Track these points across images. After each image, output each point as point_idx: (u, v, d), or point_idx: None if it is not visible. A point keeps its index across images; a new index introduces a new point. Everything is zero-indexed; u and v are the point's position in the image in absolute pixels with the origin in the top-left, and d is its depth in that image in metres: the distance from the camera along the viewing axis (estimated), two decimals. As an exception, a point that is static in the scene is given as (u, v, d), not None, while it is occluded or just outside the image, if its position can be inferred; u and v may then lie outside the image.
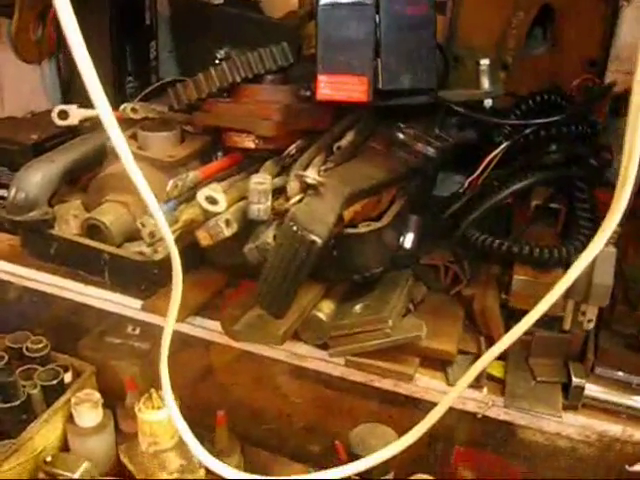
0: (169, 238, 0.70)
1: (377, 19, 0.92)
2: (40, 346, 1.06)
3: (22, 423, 0.97)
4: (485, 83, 1.03)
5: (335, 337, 0.90)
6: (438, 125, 1.08)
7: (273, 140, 1.02)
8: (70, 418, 1.00)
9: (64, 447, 1.02)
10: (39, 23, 1.18)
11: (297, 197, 0.83)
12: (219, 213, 0.83)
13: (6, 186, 1.10)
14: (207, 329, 0.96)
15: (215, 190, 0.84)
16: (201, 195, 0.82)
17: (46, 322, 1.16)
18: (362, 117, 1.08)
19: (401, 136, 1.04)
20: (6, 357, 1.06)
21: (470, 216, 0.97)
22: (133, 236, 1.01)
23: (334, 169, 0.92)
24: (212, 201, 0.83)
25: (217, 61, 1.26)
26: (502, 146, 0.99)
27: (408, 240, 0.97)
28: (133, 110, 1.03)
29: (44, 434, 0.97)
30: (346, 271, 0.92)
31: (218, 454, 1.01)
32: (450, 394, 0.79)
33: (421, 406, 0.94)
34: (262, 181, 0.84)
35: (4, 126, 1.15)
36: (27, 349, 1.06)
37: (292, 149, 1.01)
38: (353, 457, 0.89)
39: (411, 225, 0.98)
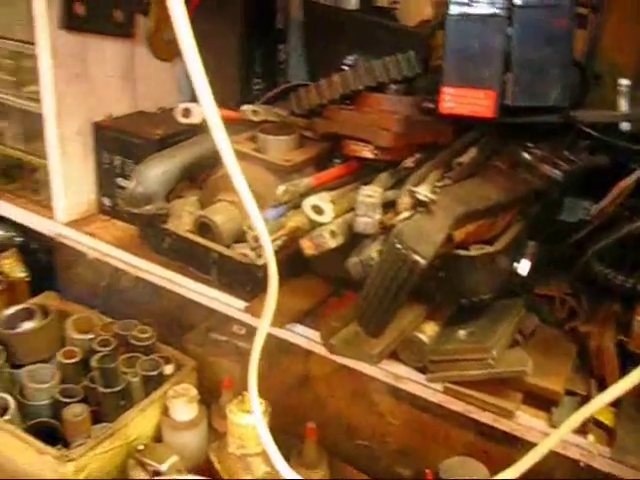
0: (267, 244, 0.69)
1: (509, 31, 0.87)
2: (146, 336, 1.08)
3: (120, 409, 0.99)
4: (623, 105, 0.95)
5: (435, 361, 0.86)
6: (567, 147, 1.02)
7: (391, 151, 0.99)
8: (166, 410, 1.02)
9: (158, 438, 1.03)
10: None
11: (406, 213, 0.80)
12: (324, 223, 0.82)
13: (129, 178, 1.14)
14: (307, 338, 0.94)
15: (322, 199, 0.83)
16: (307, 203, 0.81)
17: (154, 313, 1.19)
18: (486, 134, 1.04)
19: (527, 156, 0.99)
20: (114, 343, 1.09)
21: (595, 246, 0.91)
22: (242, 237, 1.01)
23: (449, 186, 0.88)
24: (318, 210, 0.81)
25: (345, 67, 1.26)
26: (637, 173, 0.91)
27: (523, 267, 0.92)
28: (254, 112, 1.03)
29: (139, 422, 0.99)
30: (453, 294, 0.88)
31: (304, 466, 1.00)
32: (552, 436, 0.73)
33: (519, 445, 0.88)
34: (371, 194, 0.81)
35: (133, 120, 1.19)
36: (133, 337, 1.09)
37: (409, 162, 0.98)
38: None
39: (528, 251, 0.92)
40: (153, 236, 1.05)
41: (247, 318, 0.99)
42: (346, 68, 1.23)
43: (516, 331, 0.89)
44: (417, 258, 0.72)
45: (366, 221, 0.81)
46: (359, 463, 1.06)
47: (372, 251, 0.81)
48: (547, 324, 0.94)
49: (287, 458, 0.97)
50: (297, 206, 0.92)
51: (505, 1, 0.87)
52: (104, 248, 1.13)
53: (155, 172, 1.02)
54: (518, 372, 0.82)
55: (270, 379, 1.13)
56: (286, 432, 1.09)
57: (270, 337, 0.97)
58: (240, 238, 1.01)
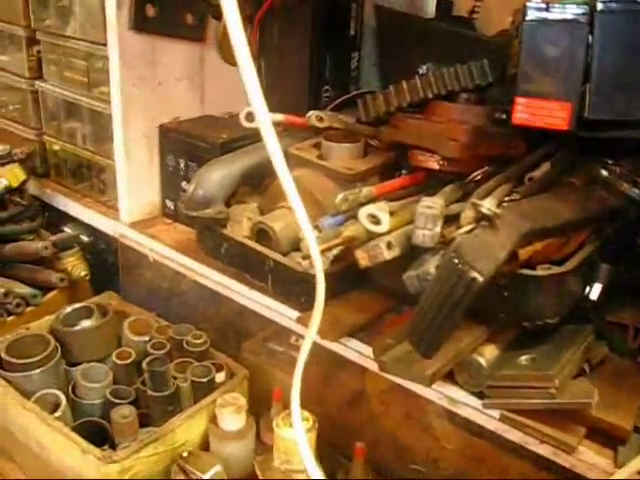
0: (315, 253, 0.66)
1: (589, 39, 0.82)
2: (199, 341, 1.07)
3: (168, 414, 0.98)
4: None
5: (493, 387, 0.81)
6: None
7: (458, 163, 0.95)
8: (214, 418, 1.00)
9: (205, 446, 1.01)
10: (246, 27, 1.20)
11: (468, 227, 0.76)
12: (381, 234, 0.78)
13: (192, 181, 1.14)
14: (359, 353, 0.91)
15: (380, 209, 0.79)
16: (363, 212, 0.78)
17: (210, 318, 1.17)
18: (561, 148, 0.98)
19: (605, 173, 0.93)
20: (168, 346, 1.08)
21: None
22: (300, 246, 0.98)
23: (517, 202, 0.83)
24: (375, 220, 0.78)
25: (418, 76, 1.22)
26: None
27: (595, 291, 0.85)
28: (318, 118, 1.01)
29: (186, 429, 0.97)
30: (516, 316, 0.82)
31: None
32: (616, 476, 0.68)
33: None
34: (431, 205, 0.77)
35: (199, 124, 1.19)
36: (187, 343, 1.07)
37: (477, 174, 0.93)
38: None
39: (600, 274, 0.86)
40: (211, 240, 1.03)
41: (300, 329, 0.96)
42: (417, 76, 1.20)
43: (583, 360, 0.83)
44: (475, 275, 0.67)
45: (425, 233, 0.76)
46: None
47: (430, 265, 0.77)
48: (617, 354, 0.87)
49: (333, 476, 0.95)
50: (356, 216, 0.90)
51: (586, 6, 0.81)
52: (164, 250, 1.13)
53: (215, 176, 1.01)
54: (582, 404, 0.76)
55: (321, 393, 1.11)
56: (336, 449, 1.06)
57: (322, 350, 0.96)
58: (299, 247, 0.98)
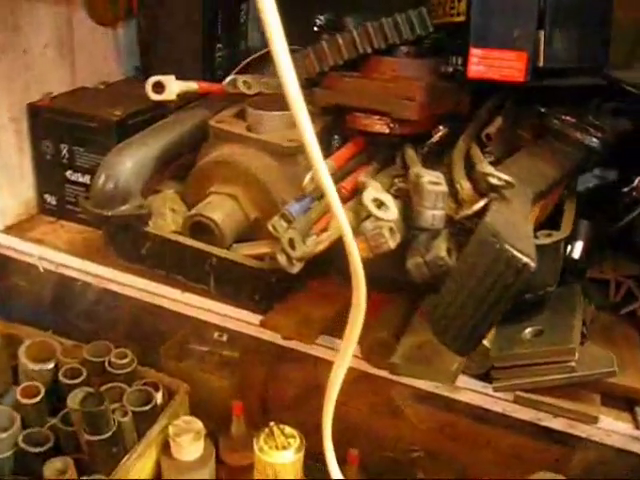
0: (353, 248, 0.54)
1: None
2: (126, 361, 0.90)
3: (112, 457, 0.81)
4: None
5: (501, 368, 0.74)
6: (593, 112, 0.92)
7: (412, 125, 0.85)
8: (166, 449, 0.85)
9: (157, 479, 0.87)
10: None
11: (481, 202, 0.67)
12: (388, 220, 0.67)
13: (83, 170, 0.95)
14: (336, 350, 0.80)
15: (378, 190, 0.68)
16: (368, 197, 0.66)
17: (127, 331, 1.00)
18: (507, 100, 0.92)
19: (557, 124, 0.88)
20: (84, 372, 0.90)
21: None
22: (244, 237, 0.85)
23: (505, 165, 0.76)
24: (380, 204, 0.67)
25: (316, 28, 1.10)
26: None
27: (577, 249, 0.82)
28: (246, 84, 0.86)
29: (139, 469, 0.82)
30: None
31: None
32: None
33: (594, 448, 0.79)
34: (437, 181, 0.67)
35: (78, 99, 0.98)
36: (110, 364, 0.90)
37: (436, 137, 0.85)
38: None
39: (581, 231, 0.82)
40: (128, 241, 0.86)
41: (259, 333, 0.84)
42: (317, 29, 1.08)
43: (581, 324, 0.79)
44: (526, 260, 0.59)
45: (434, 214, 0.67)
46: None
47: (441, 250, 0.67)
48: (600, 310, 0.85)
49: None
50: (321, 197, 0.78)
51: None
52: (57, 257, 0.93)
53: (129, 163, 0.83)
54: (606, 374, 0.72)
55: (272, 392, 1.00)
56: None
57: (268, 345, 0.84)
58: (241, 238, 0.85)
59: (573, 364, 0.71)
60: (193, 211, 0.82)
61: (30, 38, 0.93)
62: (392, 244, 0.68)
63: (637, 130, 0.90)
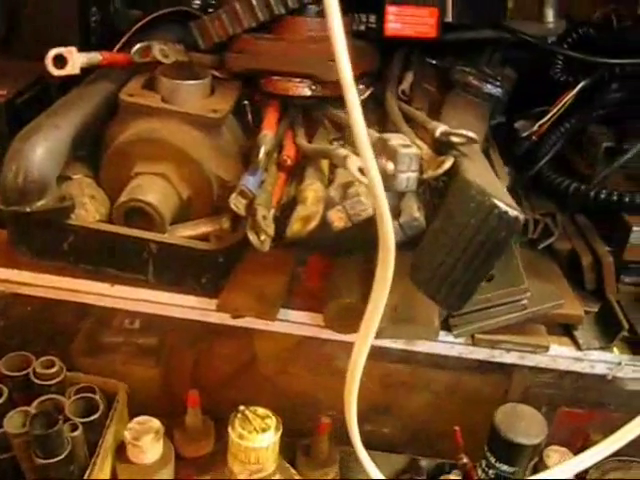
0: (387, 223, 0.54)
1: None
2: (54, 370, 0.80)
3: (69, 476, 0.74)
4: (550, 14, 0.93)
5: (459, 315, 0.78)
6: (486, 63, 0.97)
7: (334, 86, 0.84)
8: (121, 455, 0.79)
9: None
10: None
11: (449, 161, 0.68)
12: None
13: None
14: (301, 323, 0.79)
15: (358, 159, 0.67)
16: (353, 165, 0.64)
17: (25, 337, 0.90)
18: (410, 55, 0.94)
19: (463, 76, 0.92)
20: (5, 390, 0.80)
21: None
22: (177, 217, 0.79)
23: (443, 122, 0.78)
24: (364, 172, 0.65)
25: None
26: (581, 85, 0.91)
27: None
28: (162, 53, 0.79)
29: (102, 483, 0.76)
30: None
31: (317, 465, 0.87)
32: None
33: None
34: (407, 143, 0.67)
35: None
36: (36, 375, 0.80)
37: (361, 97, 0.84)
38: (500, 442, 0.79)
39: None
40: (45, 237, 0.77)
41: (204, 316, 0.79)
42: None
43: (516, 262, 0.85)
44: (517, 213, 0.62)
45: (409, 176, 0.67)
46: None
47: (413, 211, 0.68)
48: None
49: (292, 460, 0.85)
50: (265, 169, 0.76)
51: None
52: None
53: (41, 150, 0.73)
54: (555, 306, 0.78)
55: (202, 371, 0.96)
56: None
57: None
58: (175, 220, 0.79)
59: (526, 302, 0.77)
60: (124, 196, 0.75)
61: None
62: (371, 211, 0.67)
63: (521, 77, 0.97)
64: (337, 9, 0.44)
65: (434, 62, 0.98)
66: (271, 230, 0.68)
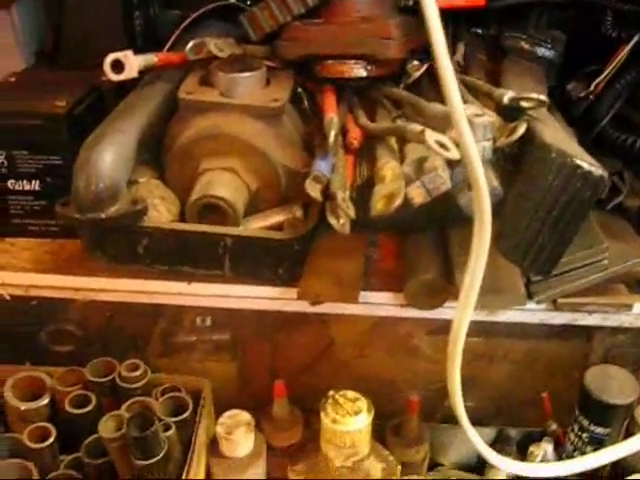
0: (485, 200, 0.53)
1: None
2: (139, 373, 0.81)
3: (166, 475, 0.74)
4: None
5: (538, 282, 0.77)
6: (533, 27, 0.95)
7: (389, 65, 0.84)
8: (214, 450, 0.79)
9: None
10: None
11: (523, 126, 0.67)
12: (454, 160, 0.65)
13: (29, 176, 0.83)
14: (381, 304, 0.78)
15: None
16: (431, 140, 0.64)
17: (104, 342, 0.91)
18: (457, 26, 0.93)
19: (515, 42, 0.91)
20: (93, 397, 0.81)
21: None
22: (247, 210, 0.79)
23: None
24: (442, 146, 0.65)
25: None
26: (636, 38, 0.89)
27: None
28: (218, 47, 0.79)
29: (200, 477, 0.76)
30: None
31: (403, 446, 0.87)
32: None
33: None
34: (480, 112, 0.67)
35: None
36: (122, 379, 0.81)
37: (419, 72, 0.84)
38: (593, 404, 0.79)
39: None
40: (120, 242, 0.77)
41: (284, 306, 0.79)
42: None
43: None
44: (601, 172, 0.61)
45: (485, 145, 0.67)
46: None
47: (492, 180, 0.68)
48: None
49: (382, 442, 0.85)
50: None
51: None
52: (27, 279, 0.81)
53: (110, 156, 0.73)
54: (636, 264, 0.77)
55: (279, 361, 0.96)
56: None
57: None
58: (244, 213, 0.79)
59: (606, 262, 0.76)
60: (197, 194, 0.75)
61: None
62: (449, 184, 0.67)
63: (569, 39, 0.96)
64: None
65: (479, 31, 0.97)
66: (352, 212, 0.68)
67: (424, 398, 0.93)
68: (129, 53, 0.77)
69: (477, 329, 0.90)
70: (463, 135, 0.51)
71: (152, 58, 0.79)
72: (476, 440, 0.67)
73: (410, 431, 0.88)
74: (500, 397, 0.94)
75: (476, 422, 0.85)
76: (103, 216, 0.73)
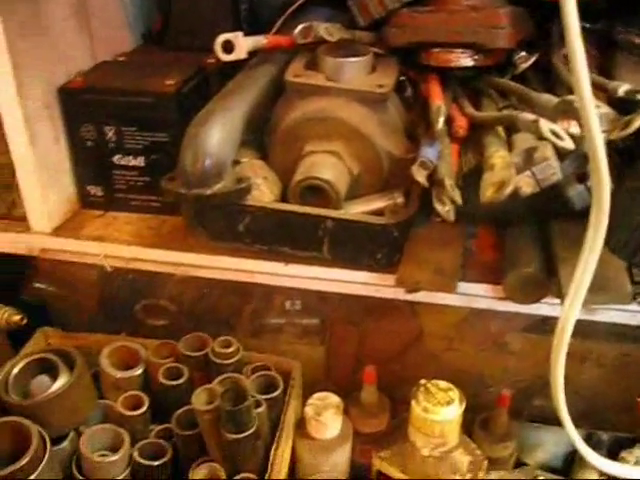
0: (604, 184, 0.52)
1: None
2: (232, 349, 0.82)
3: (256, 451, 0.75)
4: None
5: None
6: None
7: (497, 54, 0.83)
8: (302, 431, 0.80)
9: (292, 464, 0.82)
10: None
11: (638, 120, 0.65)
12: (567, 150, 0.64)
13: (135, 152, 0.85)
14: (478, 295, 0.77)
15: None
16: (546, 129, 0.63)
17: (196, 317, 0.93)
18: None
19: (623, 36, 0.88)
20: (186, 370, 0.83)
21: None
22: (349, 194, 0.80)
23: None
24: (556, 135, 0.64)
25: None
26: None
27: None
28: (327, 31, 0.80)
29: (285, 457, 0.77)
30: None
31: (491, 441, 0.86)
32: None
33: None
34: (598, 104, 0.65)
35: (111, 74, 0.87)
36: (215, 354, 0.83)
37: (527, 63, 0.83)
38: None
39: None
40: (221, 220, 0.78)
41: (389, 293, 0.79)
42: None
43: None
44: None
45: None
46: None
47: (605, 173, 0.66)
48: None
49: (469, 435, 0.84)
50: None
51: None
52: (129, 251, 0.84)
53: (217, 135, 0.74)
54: None
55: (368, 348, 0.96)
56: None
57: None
58: (346, 196, 0.80)
59: None
60: (301, 175, 0.76)
61: (50, 12, 0.81)
62: (560, 174, 0.65)
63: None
64: None
65: (587, 26, 0.95)
66: (458, 198, 0.67)
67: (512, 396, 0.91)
68: (239, 34, 0.78)
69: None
70: (590, 124, 0.50)
71: (261, 40, 0.80)
72: (576, 438, 0.65)
73: (499, 426, 0.87)
74: (591, 399, 0.92)
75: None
76: (208, 192, 0.74)
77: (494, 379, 0.94)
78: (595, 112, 0.64)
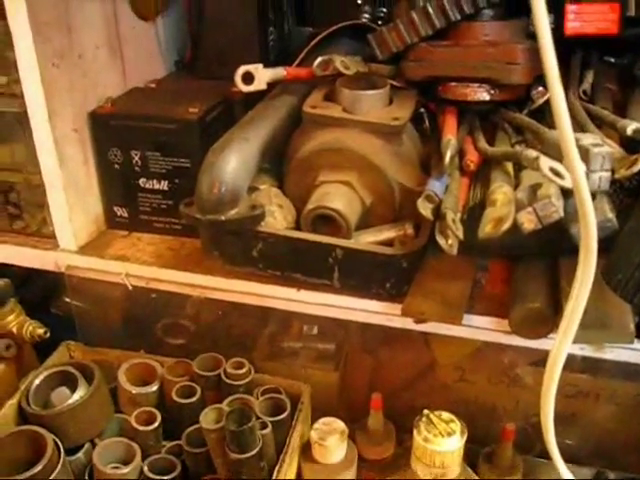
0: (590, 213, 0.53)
1: None
2: (243, 371, 0.85)
3: (259, 472, 0.77)
4: None
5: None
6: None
7: (513, 89, 0.84)
8: (307, 454, 0.82)
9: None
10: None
11: (646, 158, 0.66)
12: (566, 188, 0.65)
13: (159, 176, 0.88)
14: (484, 328, 0.78)
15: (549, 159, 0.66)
16: (545, 166, 0.64)
17: (212, 339, 0.95)
18: (590, 54, 0.92)
19: (643, 73, 0.88)
20: (198, 389, 0.85)
21: None
22: (360, 225, 0.81)
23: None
24: (557, 174, 0.65)
25: (359, 1, 1.07)
26: None
27: None
28: (344, 64, 0.82)
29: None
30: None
31: (501, 473, 0.86)
32: None
33: None
34: (599, 142, 0.66)
35: (139, 100, 0.91)
36: (227, 375, 0.85)
37: (541, 100, 0.84)
38: None
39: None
40: (236, 245, 0.81)
41: (387, 321, 0.80)
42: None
43: None
44: None
45: (602, 176, 0.65)
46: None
47: (607, 212, 0.66)
48: None
49: (474, 467, 0.84)
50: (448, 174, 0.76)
51: None
52: (149, 272, 0.87)
53: (234, 162, 0.77)
54: None
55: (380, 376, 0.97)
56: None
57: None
58: (357, 226, 0.81)
59: None
60: (312, 204, 0.78)
61: (83, 40, 0.86)
62: (562, 212, 0.66)
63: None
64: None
65: (612, 60, 0.95)
66: (461, 233, 0.68)
67: (522, 430, 0.91)
68: (259, 66, 0.81)
69: (583, 365, 0.88)
70: (572, 163, 0.51)
71: (281, 72, 0.83)
72: (565, 475, 0.65)
73: (504, 460, 0.86)
74: (603, 438, 0.91)
75: (574, 460, 0.83)
76: (223, 218, 0.77)
77: (506, 412, 0.94)
78: (596, 150, 0.65)
